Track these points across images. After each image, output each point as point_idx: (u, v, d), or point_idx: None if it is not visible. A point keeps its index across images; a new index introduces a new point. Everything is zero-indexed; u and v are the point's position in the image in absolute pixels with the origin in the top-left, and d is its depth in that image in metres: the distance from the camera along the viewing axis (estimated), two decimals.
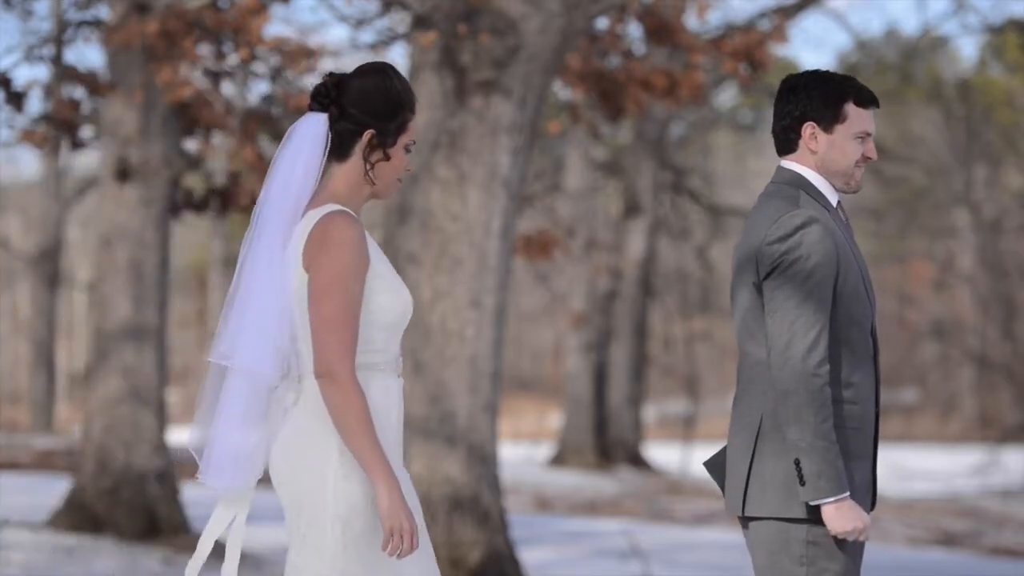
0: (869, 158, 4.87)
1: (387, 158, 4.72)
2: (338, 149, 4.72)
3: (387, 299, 4.66)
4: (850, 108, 4.84)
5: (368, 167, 4.71)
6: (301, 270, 4.62)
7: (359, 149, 4.71)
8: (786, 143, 4.92)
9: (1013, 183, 37.11)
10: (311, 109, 4.74)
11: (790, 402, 4.61)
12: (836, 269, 4.71)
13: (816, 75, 4.91)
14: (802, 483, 4.63)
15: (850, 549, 4.75)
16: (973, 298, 36.63)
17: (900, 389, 52.47)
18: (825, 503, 4.63)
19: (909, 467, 33.68)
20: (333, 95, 4.71)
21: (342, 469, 4.58)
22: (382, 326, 4.66)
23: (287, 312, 4.64)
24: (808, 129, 4.86)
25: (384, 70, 4.75)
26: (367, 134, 4.70)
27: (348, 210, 4.67)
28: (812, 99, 4.85)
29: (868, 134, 4.86)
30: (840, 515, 4.63)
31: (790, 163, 4.91)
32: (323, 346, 4.54)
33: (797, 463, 4.63)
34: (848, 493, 4.64)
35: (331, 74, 4.76)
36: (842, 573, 4.74)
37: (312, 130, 4.70)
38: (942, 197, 32.54)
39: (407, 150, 4.76)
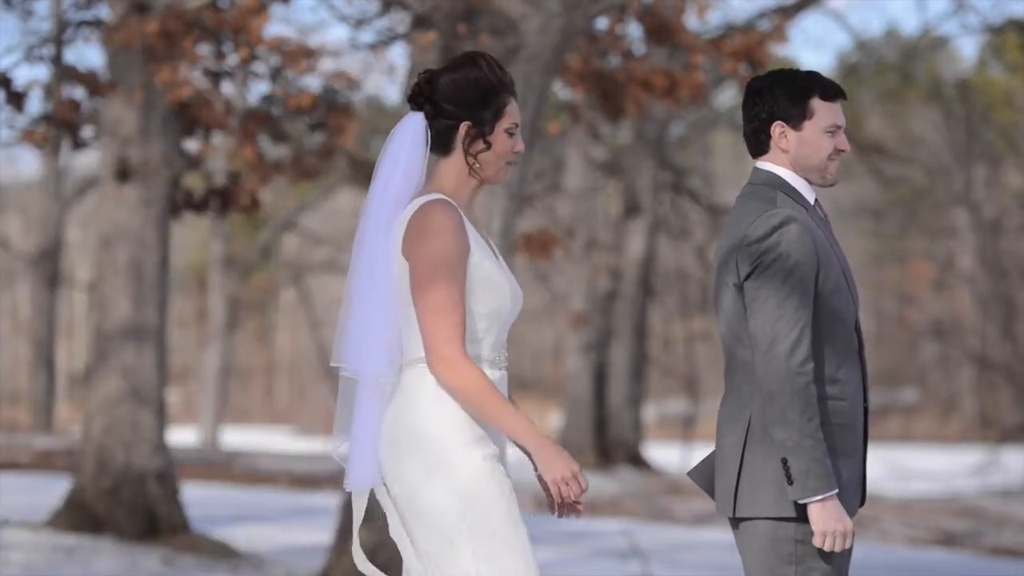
0: (842, 150, 4.88)
1: (488, 147, 4.75)
2: (440, 145, 4.77)
3: (486, 290, 4.68)
4: (816, 103, 4.85)
5: (471, 159, 4.75)
6: (401, 259, 4.66)
7: (459, 142, 4.75)
8: (758, 145, 4.94)
9: (1013, 183, 37.11)
10: (411, 109, 4.79)
11: (776, 402, 4.62)
12: (816, 267, 4.72)
13: (779, 75, 4.92)
14: (790, 482, 4.63)
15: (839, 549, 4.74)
16: (973, 298, 36.63)
17: (900, 389, 52.46)
18: (812, 501, 4.63)
19: (909, 467, 33.67)
20: (426, 93, 4.76)
21: (445, 456, 4.61)
22: (481, 315, 4.68)
23: (392, 307, 4.68)
24: (777, 129, 4.88)
25: (474, 59, 4.79)
26: (463, 126, 4.74)
27: (446, 198, 4.70)
28: (777, 99, 4.87)
29: (838, 127, 4.89)
30: (825, 514, 4.64)
31: (765, 164, 4.93)
32: (432, 332, 4.58)
33: (785, 462, 4.63)
34: (836, 491, 4.64)
35: (424, 72, 4.81)
36: (830, 573, 4.74)
37: (411, 130, 4.75)
38: (942, 197, 32.53)
39: (510, 134, 4.78)
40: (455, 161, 4.77)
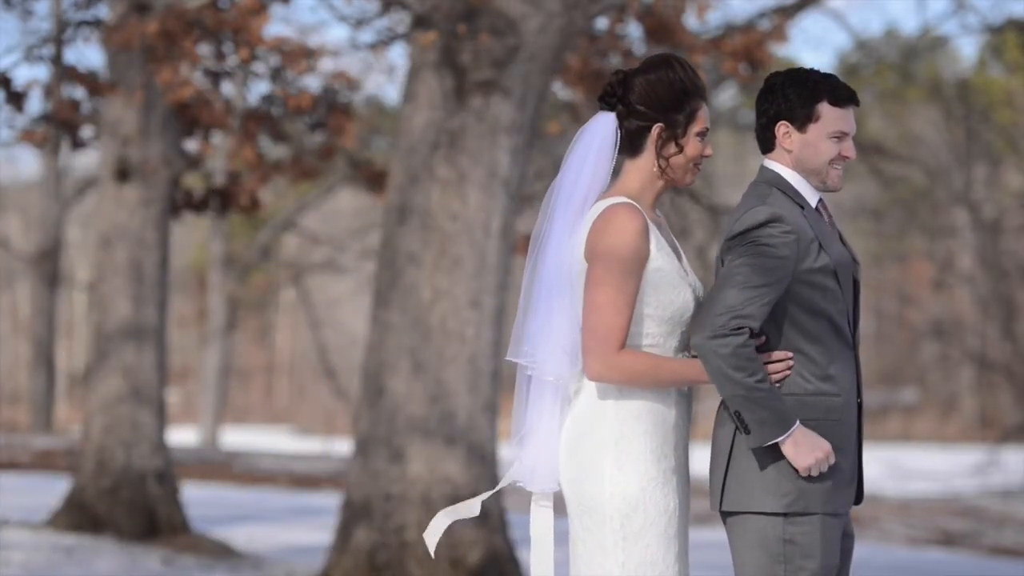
0: (847, 157, 4.89)
1: (680, 149, 4.74)
2: (629, 146, 4.75)
3: (667, 294, 4.67)
4: (824, 108, 4.84)
5: (662, 161, 4.73)
6: (583, 259, 4.65)
7: (650, 144, 4.73)
8: (764, 142, 4.95)
9: (1013, 183, 37.09)
10: (601, 108, 4.77)
11: (711, 368, 4.62)
12: (793, 265, 4.70)
13: (793, 74, 4.91)
14: (747, 432, 4.66)
15: (826, 549, 4.75)
16: (973, 298, 36.62)
17: (900, 389, 52.45)
18: (776, 442, 4.65)
19: (909, 467, 33.68)
20: (619, 93, 4.75)
21: (617, 462, 4.62)
22: (659, 320, 4.67)
23: (576, 308, 4.67)
24: (782, 128, 4.88)
25: (668, 62, 4.77)
26: (656, 128, 4.72)
27: (631, 201, 4.69)
28: (787, 98, 4.87)
29: (844, 133, 4.88)
30: (797, 450, 4.66)
31: (770, 162, 4.93)
32: (590, 330, 4.59)
33: (738, 415, 4.65)
34: (796, 424, 4.65)
35: (617, 72, 4.79)
36: (818, 572, 4.74)
37: (602, 129, 4.74)
38: (942, 197, 32.51)
39: (701, 137, 4.76)
40: (643, 162, 4.75)
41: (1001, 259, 30.66)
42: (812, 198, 4.89)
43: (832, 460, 4.68)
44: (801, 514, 4.72)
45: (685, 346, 4.74)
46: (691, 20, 14.85)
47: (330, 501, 16.95)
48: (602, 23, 14.02)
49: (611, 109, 4.75)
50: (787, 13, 23.72)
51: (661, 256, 4.67)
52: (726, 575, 5.26)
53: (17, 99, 13.00)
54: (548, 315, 4.68)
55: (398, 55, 51.50)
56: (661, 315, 4.66)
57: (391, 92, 38.16)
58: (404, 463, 11.02)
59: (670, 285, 4.67)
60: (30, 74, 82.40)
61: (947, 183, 31.43)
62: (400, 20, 13.89)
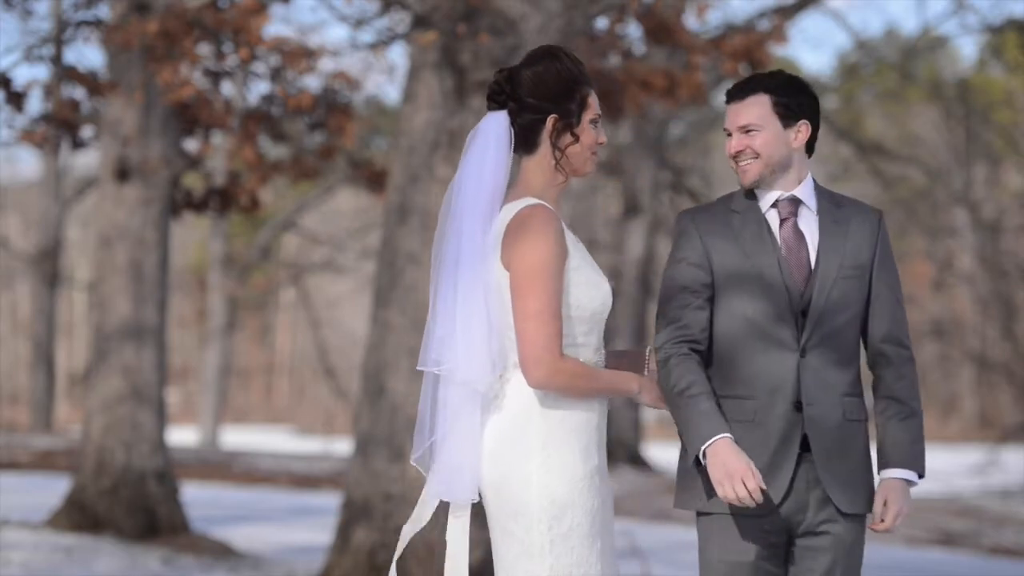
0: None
1: (576, 139, 4.69)
2: (524, 143, 4.70)
3: (585, 292, 4.65)
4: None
5: (558, 153, 4.69)
6: (500, 266, 4.59)
7: (545, 137, 4.68)
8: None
9: (1013, 183, 37.11)
10: (489, 109, 4.71)
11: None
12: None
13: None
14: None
15: (724, 547, 4.87)
16: (973, 298, 36.63)
17: None
18: (700, 457, 4.78)
19: None
20: (508, 90, 4.69)
21: (545, 464, 4.59)
22: (581, 319, 4.65)
23: (493, 311, 4.61)
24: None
25: (552, 52, 4.73)
26: (550, 120, 4.67)
27: (544, 203, 4.65)
28: None
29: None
30: (711, 467, 4.74)
31: None
32: (529, 339, 4.53)
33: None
34: (717, 438, 4.72)
35: (501, 69, 4.73)
36: (713, 567, 4.89)
37: (495, 128, 4.68)
38: (942, 197, 32.53)
39: (594, 124, 4.72)
40: (541, 158, 4.71)
41: (1001, 259, 30.66)
42: (764, 200, 4.98)
43: (750, 479, 4.67)
44: (706, 513, 4.89)
45: (600, 346, 4.72)
46: (691, 20, 14.85)
47: (330, 501, 16.95)
48: (602, 23, 14.01)
49: (501, 107, 4.69)
50: (787, 13, 23.74)
51: (578, 254, 4.65)
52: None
53: (17, 99, 13.00)
54: (467, 320, 4.59)
55: (398, 55, 51.46)
56: (581, 314, 4.64)
57: (391, 92, 38.18)
58: (404, 463, 11.02)
59: (589, 283, 4.65)
60: (30, 74, 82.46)
61: (947, 183, 31.43)
62: (400, 20, 13.89)
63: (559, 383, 4.54)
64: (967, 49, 72.16)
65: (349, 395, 33.60)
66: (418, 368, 4.68)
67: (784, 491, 4.87)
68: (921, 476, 4.91)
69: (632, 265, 28.02)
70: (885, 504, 4.88)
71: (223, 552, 13.48)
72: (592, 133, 4.71)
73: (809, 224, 4.95)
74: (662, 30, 13.55)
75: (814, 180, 5.03)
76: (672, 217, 30.14)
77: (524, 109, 4.66)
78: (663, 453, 32.63)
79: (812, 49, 69.94)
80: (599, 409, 4.71)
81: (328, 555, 11.33)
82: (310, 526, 15.87)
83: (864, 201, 5.05)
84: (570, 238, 4.64)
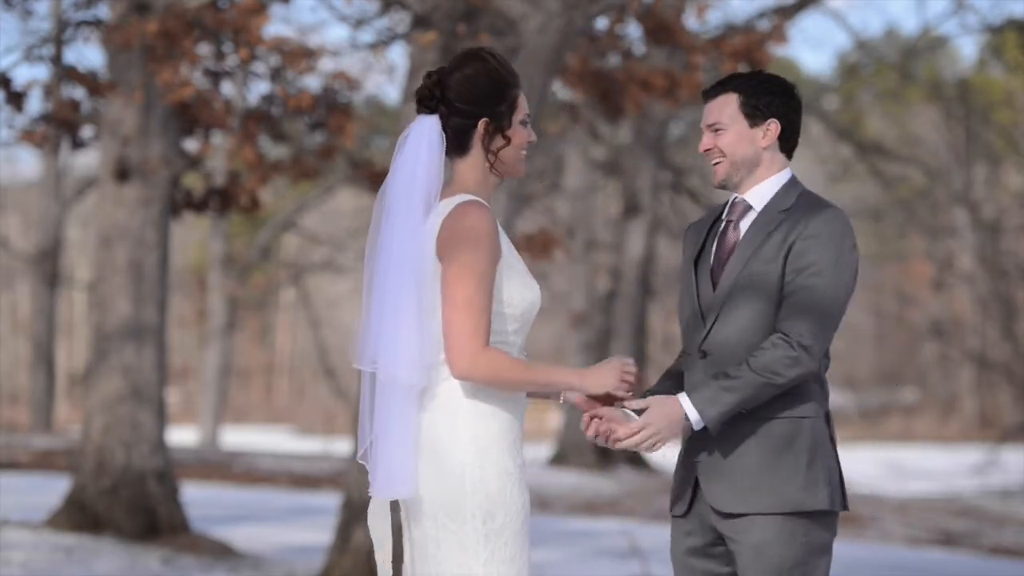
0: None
1: (507, 141, 4.71)
2: (457, 146, 4.70)
3: (518, 291, 4.66)
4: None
5: (492, 156, 4.70)
6: (435, 261, 4.61)
7: (477, 140, 4.69)
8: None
9: (1013, 183, 37.10)
10: (419, 112, 4.72)
11: None
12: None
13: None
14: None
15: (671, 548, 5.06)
16: (973, 298, 36.62)
17: (900, 389, 52.46)
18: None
19: (909, 467, 33.71)
20: (438, 94, 4.69)
21: (477, 461, 4.59)
22: (513, 317, 4.66)
23: (423, 308, 4.63)
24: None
25: (479, 55, 4.73)
26: (481, 123, 4.68)
27: (480, 199, 4.66)
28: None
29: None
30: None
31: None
32: (455, 329, 4.55)
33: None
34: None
35: (430, 73, 4.73)
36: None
37: (427, 132, 4.68)
38: (942, 197, 32.51)
39: (524, 124, 4.74)
40: (473, 160, 4.71)
41: (1001, 259, 30.66)
42: (730, 203, 5.07)
43: (652, 439, 4.81)
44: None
45: (524, 346, 4.74)
46: (691, 20, 14.86)
47: (330, 501, 16.95)
48: (602, 23, 14.02)
49: (432, 112, 4.70)
50: (787, 13, 23.74)
51: (511, 253, 4.67)
52: None
53: (17, 99, 13.00)
54: (395, 320, 4.61)
55: (398, 55, 51.43)
56: (512, 312, 4.65)
57: (391, 92, 38.15)
58: None
59: (521, 282, 4.67)
60: (30, 74, 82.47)
61: (947, 183, 31.43)
62: (400, 20, 13.90)
63: (483, 374, 4.55)
64: (967, 49, 72.16)
65: (349, 395, 33.58)
66: (354, 367, 4.70)
67: (688, 496, 4.98)
68: (704, 427, 4.81)
69: (632, 265, 28.01)
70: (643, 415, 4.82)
71: (223, 552, 13.48)
72: (522, 133, 4.74)
73: (745, 228, 4.98)
74: (662, 30, 13.55)
75: (790, 180, 5.01)
76: (672, 217, 30.17)
77: (454, 113, 4.68)
78: (663, 453, 32.60)
79: (812, 49, 69.96)
80: (521, 409, 4.71)
81: (328, 555, 11.33)
82: (310, 526, 15.87)
83: (829, 205, 4.94)
84: (504, 238, 4.67)
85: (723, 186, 5.01)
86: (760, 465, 4.87)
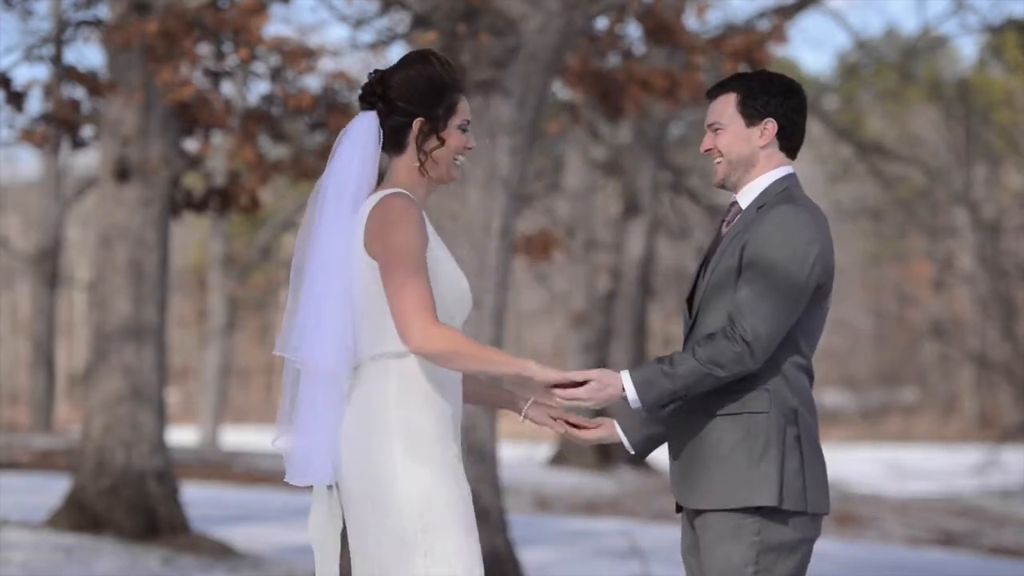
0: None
1: (441, 142, 4.76)
2: (393, 144, 4.76)
3: (446, 281, 4.71)
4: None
5: (423, 156, 4.75)
6: (365, 255, 4.65)
7: (413, 139, 4.75)
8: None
9: (1013, 183, 37.09)
10: (361, 108, 4.78)
11: None
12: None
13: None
14: None
15: None
16: (973, 298, 36.62)
17: (900, 389, 52.46)
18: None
19: (909, 467, 33.72)
20: (379, 91, 4.75)
21: (409, 454, 4.61)
22: (442, 309, 4.68)
23: (350, 300, 4.67)
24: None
25: (425, 56, 4.78)
26: (417, 122, 4.73)
27: (404, 191, 4.71)
28: None
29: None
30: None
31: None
32: (400, 307, 4.57)
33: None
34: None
35: (374, 71, 4.79)
36: None
37: (365, 128, 4.74)
38: (942, 197, 32.52)
39: (462, 130, 4.79)
40: (408, 159, 4.77)
41: (1001, 259, 30.66)
42: (741, 201, 5.08)
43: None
44: None
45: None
46: (691, 20, 14.86)
47: None
48: (602, 23, 14.02)
49: (372, 108, 4.76)
50: (787, 13, 23.74)
51: (439, 245, 4.73)
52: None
53: (17, 99, 13.00)
54: (320, 309, 4.67)
55: (398, 55, 51.34)
56: (441, 304, 4.68)
57: None
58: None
59: (450, 273, 4.72)
60: (30, 74, 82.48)
61: (947, 183, 31.43)
62: (400, 20, 13.90)
63: (438, 346, 4.56)
64: (967, 49, 72.17)
65: None
66: (275, 353, 4.76)
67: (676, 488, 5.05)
68: (639, 405, 4.82)
69: (632, 265, 28.02)
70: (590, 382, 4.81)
71: (223, 552, 13.48)
72: (459, 137, 4.79)
73: (730, 227, 5.03)
74: (662, 30, 13.55)
75: (782, 178, 5.01)
76: (672, 217, 30.16)
77: (393, 111, 4.74)
78: (663, 453, 32.60)
79: (812, 49, 69.96)
80: (454, 402, 4.74)
81: None
82: None
83: (792, 200, 4.93)
84: (431, 230, 4.72)
85: (722, 186, 5.04)
86: (713, 460, 4.90)
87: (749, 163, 5.01)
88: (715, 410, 4.89)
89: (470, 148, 4.82)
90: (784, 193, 4.97)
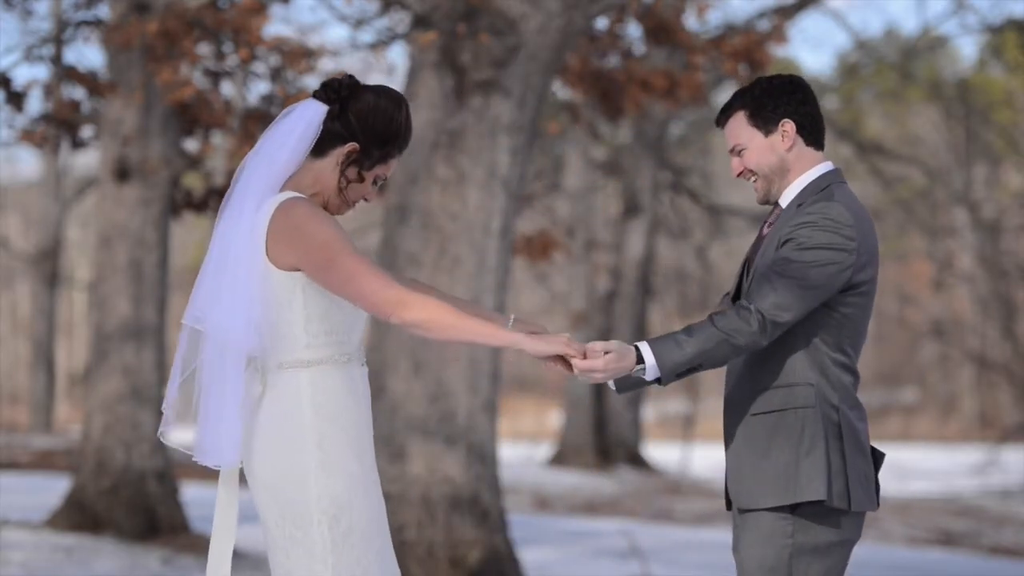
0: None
1: (360, 179, 4.72)
2: (319, 145, 4.71)
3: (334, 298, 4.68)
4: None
5: (342, 179, 4.71)
6: (265, 259, 4.59)
7: (335, 155, 4.70)
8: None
9: (1013, 183, 37.08)
10: (315, 96, 4.73)
11: None
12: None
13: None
14: None
15: None
16: (973, 298, 36.62)
17: (900, 389, 52.45)
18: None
19: (909, 467, 33.70)
20: (343, 94, 4.72)
21: (321, 464, 4.57)
22: (349, 310, 4.63)
23: (258, 284, 4.60)
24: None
25: (401, 102, 4.75)
26: (349, 145, 4.69)
27: (305, 196, 4.66)
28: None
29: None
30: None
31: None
32: (365, 292, 4.51)
33: None
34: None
35: (351, 77, 4.75)
36: None
37: (309, 116, 4.69)
38: (942, 197, 32.52)
39: (375, 182, 4.76)
40: (322, 167, 4.71)
41: (1001, 259, 30.67)
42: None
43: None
44: None
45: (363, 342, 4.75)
46: (691, 20, 14.87)
47: None
48: (602, 23, 14.02)
49: (325, 102, 4.72)
50: (787, 13, 23.75)
51: None
52: (726, 575, 5.29)
53: (17, 99, 13.00)
54: (233, 283, 4.60)
55: (398, 55, 51.41)
56: (348, 307, 4.63)
57: None
58: (404, 463, 11.02)
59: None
60: (30, 74, 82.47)
61: (947, 183, 31.43)
62: (400, 20, 13.90)
63: (418, 314, 4.51)
64: (967, 49, 72.16)
65: None
66: (182, 322, 4.72)
67: (725, 492, 5.08)
68: (657, 374, 4.77)
69: (632, 265, 28.02)
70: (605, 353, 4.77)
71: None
72: (369, 187, 4.75)
73: (771, 228, 5.03)
74: (662, 30, 13.55)
75: (823, 175, 5.01)
76: (672, 217, 30.17)
77: (341, 120, 4.69)
78: (663, 453, 32.63)
79: (812, 49, 69.92)
80: (366, 404, 4.70)
81: None
82: None
83: (831, 198, 4.93)
84: None
85: (766, 201, 5.03)
86: (758, 458, 4.89)
87: (783, 170, 5.00)
88: (761, 407, 4.89)
89: (368, 200, 4.79)
90: (826, 191, 4.95)
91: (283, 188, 4.68)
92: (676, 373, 4.77)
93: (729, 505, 5.03)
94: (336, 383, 4.60)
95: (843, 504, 4.84)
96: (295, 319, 4.59)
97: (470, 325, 4.53)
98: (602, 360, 4.68)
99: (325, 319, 4.60)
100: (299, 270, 4.57)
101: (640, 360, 4.75)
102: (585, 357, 4.69)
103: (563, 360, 4.70)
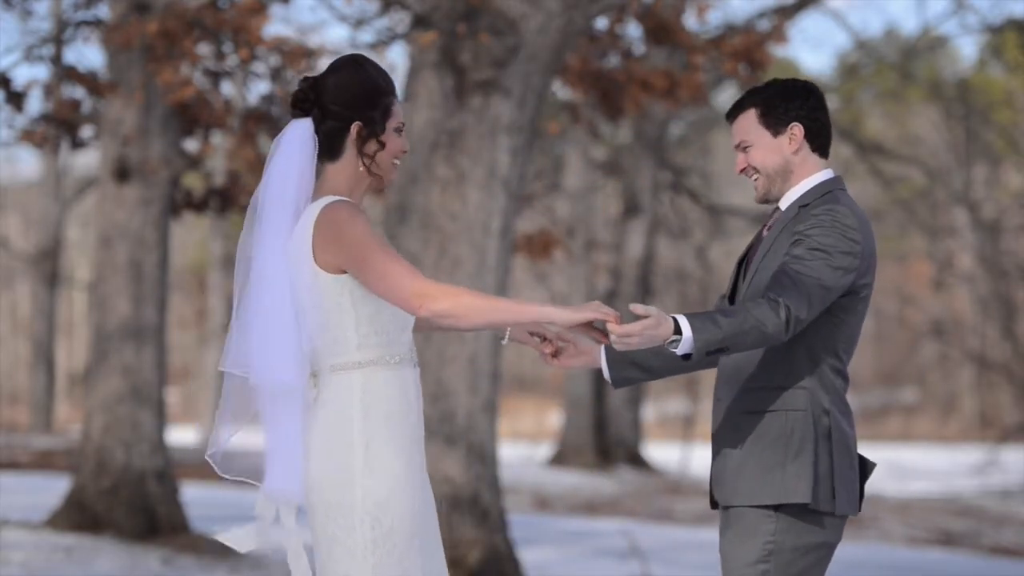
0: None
1: (382, 146, 4.71)
2: (329, 149, 4.71)
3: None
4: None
5: (366, 159, 4.70)
6: (314, 266, 4.61)
7: (350, 144, 4.70)
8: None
9: (1013, 183, 37.07)
10: (294, 116, 4.73)
11: None
12: None
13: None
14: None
15: None
16: (973, 298, 36.61)
17: (900, 389, 52.44)
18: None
19: (909, 467, 33.70)
20: (312, 97, 4.72)
21: (367, 466, 4.59)
22: (396, 312, 4.64)
23: (305, 313, 4.63)
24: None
25: (357, 60, 4.75)
26: (355, 127, 4.69)
27: (346, 199, 4.67)
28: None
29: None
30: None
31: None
32: (396, 286, 4.51)
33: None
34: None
35: (306, 77, 4.76)
36: None
37: (300, 135, 4.70)
38: (942, 197, 32.51)
39: (398, 132, 4.75)
40: (345, 164, 4.72)
41: (1001, 259, 30.66)
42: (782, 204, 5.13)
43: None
44: None
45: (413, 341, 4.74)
46: (691, 20, 14.87)
47: None
48: (602, 23, 14.02)
49: (306, 115, 4.72)
50: (787, 13, 23.75)
51: None
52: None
53: (17, 99, 13.00)
54: (267, 324, 4.61)
55: (398, 55, 51.42)
56: (394, 307, 4.63)
57: None
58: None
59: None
60: (30, 74, 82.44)
61: (947, 183, 31.43)
62: (400, 20, 13.89)
63: (444, 305, 4.49)
64: (967, 49, 72.18)
65: None
66: (220, 369, 4.74)
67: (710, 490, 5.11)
68: (690, 348, 4.67)
69: (632, 265, 28.02)
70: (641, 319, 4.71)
71: (223, 552, 13.48)
72: (397, 141, 4.75)
73: (771, 230, 5.03)
74: (662, 30, 13.55)
75: (825, 181, 5.02)
76: (672, 217, 30.17)
77: (328, 116, 4.70)
78: (663, 453, 32.63)
79: (812, 49, 69.95)
80: (417, 405, 4.70)
81: None
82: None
83: (838, 201, 4.95)
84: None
85: (765, 200, 5.04)
86: (746, 457, 4.90)
87: (786, 172, 5.01)
88: (754, 407, 4.89)
89: (405, 152, 4.78)
90: (829, 195, 4.97)
91: (315, 198, 4.69)
92: (706, 351, 4.72)
93: (714, 504, 5.04)
94: (387, 384, 4.62)
95: (828, 508, 4.86)
96: (345, 322, 4.61)
97: (498, 303, 4.52)
98: (640, 324, 4.60)
99: (375, 320, 4.62)
100: (345, 272, 4.60)
101: (677, 331, 4.67)
102: (619, 322, 4.62)
103: (595, 329, 4.66)
